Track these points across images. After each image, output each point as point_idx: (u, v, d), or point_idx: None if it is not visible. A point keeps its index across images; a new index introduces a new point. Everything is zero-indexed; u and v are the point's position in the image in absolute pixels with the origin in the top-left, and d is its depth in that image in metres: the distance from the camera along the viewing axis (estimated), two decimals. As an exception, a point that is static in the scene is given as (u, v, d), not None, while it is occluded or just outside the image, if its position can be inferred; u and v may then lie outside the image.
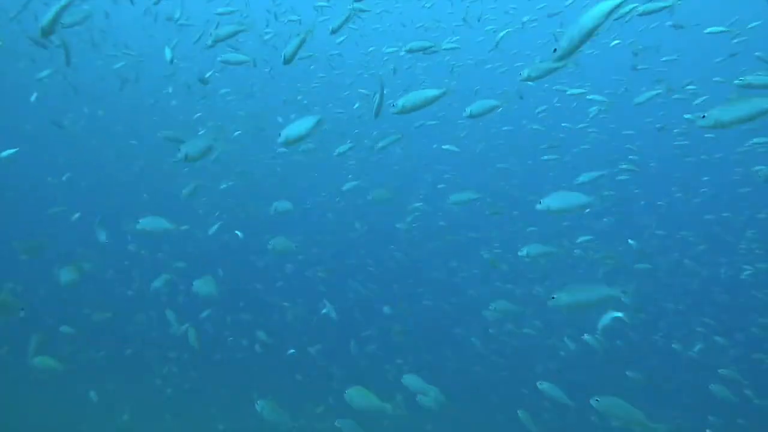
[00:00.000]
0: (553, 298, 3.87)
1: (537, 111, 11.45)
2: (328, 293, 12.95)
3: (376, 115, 4.52)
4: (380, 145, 7.82)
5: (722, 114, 3.34)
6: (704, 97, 8.30)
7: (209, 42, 5.48)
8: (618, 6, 3.07)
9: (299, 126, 4.18)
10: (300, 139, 4.22)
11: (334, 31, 6.04)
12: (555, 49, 3.28)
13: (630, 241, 10.55)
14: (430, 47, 6.95)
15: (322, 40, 7.69)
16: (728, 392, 7.35)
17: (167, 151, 16.04)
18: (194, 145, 4.14)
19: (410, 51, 7.09)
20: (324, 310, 8.22)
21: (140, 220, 5.39)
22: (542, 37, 13.91)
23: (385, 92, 4.55)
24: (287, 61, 4.74)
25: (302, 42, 4.67)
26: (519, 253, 5.79)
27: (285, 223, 14.23)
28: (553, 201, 4.56)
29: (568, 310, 4.02)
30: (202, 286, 5.94)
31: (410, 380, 5.47)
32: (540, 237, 11.98)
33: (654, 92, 7.82)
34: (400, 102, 4.10)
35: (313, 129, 4.22)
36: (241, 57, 6.13)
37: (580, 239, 8.71)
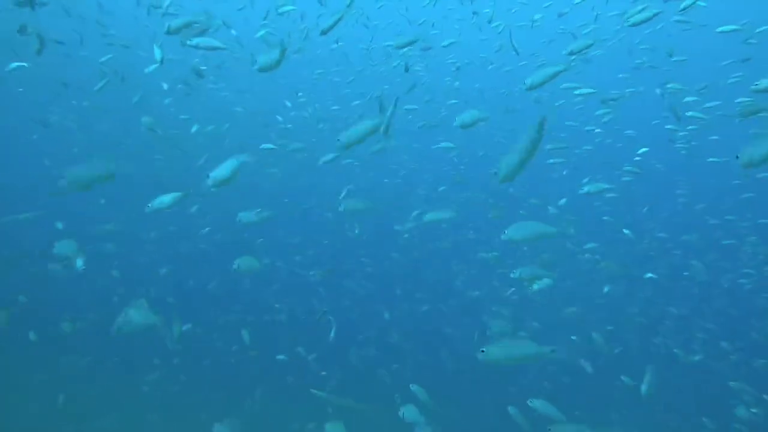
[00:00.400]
0: (482, 351, 3.92)
1: (554, 120, 11.31)
2: (326, 294, 12.80)
3: (385, 132, 4.40)
4: (374, 149, 7.67)
5: (755, 151, 3.36)
6: (717, 102, 8.20)
7: (165, 32, 5.19)
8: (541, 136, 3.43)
9: (226, 168, 4.19)
10: (228, 180, 4.19)
11: (324, 32, 5.85)
12: (495, 172, 3.57)
13: (625, 230, 10.51)
14: (416, 41, 6.79)
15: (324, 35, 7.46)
16: (753, 414, 7.27)
17: (159, 147, 15.83)
18: (80, 172, 3.77)
19: (399, 47, 6.91)
20: (331, 326, 8.02)
21: (55, 243, 5.15)
22: (547, 35, 13.77)
23: (396, 109, 4.44)
24: (263, 69, 4.56)
25: (282, 54, 4.50)
26: (511, 275, 5.81)
27: (284, 224, 14.07)
28: (516, 232, 4.66)
29: (497, 366, 4.05)
30: (135, 314, 5.52)
31: (409, 412, 5.39)
32: (542, 241, 11.85)
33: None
34: (343, 137, 4.11)
35: (238, 169, 4.21)
36: (214, 42, 5.61)
37: (587, 245, 8.61)
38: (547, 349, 3.98)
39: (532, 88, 4.88)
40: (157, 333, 8.88)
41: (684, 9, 5.72)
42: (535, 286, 5.98)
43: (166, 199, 5.06)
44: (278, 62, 4.55)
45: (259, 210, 8.49)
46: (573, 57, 5.67)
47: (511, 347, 4.00)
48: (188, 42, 5.43)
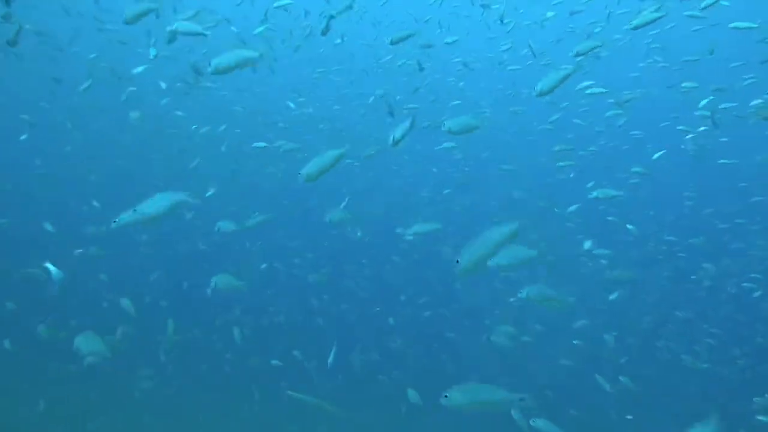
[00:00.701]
0: (445, 396, 3.80)
1: (551, 119, 11.22)
2: (326, 298, 12.64)
3: (395, 144, 4.30)
4: (366, 154, 7.53)
5: None
6: (733, 104, 8.10)
7: (123, 21, 4.94)
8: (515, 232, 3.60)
9: (156, 204, 4.03)
10: (155, 219, 4.04)
11: (324, 33, 5.69)
12: (457, 261, 3.64)
13: (629, 226, 10.42)
14: (413, 35, 6.67)
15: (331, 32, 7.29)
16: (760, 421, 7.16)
17: (157, 145, 15.61)
18: None
19: (394, 42, 6.80)
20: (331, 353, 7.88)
21: None
22: (555, 34, 13.66)
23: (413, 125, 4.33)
24: (217, 72, 4.31)
25: (240, 61, 4.22)
26: (519, 295, 5.67)
27: (285, 226, 13.89)
28: (502, 258, 4.63)
29: (461, 412, 3.88)
30: (84, 342, 5.24)
31: None
32: (547, 243, 11.72)
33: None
34: (304, 170, 4.10)
35: (171, 210, 4.05)
36: (194, 27, 5.25)
37: (596, 251, 8.49)
38: (515, 397, 3.82)
39: (542, 94, 4.71)
40: (152, 338, 8.70)
41: (705, 8, 5.59)
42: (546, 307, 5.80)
43: (121, 218, 4.34)
44: (236, 66, 4.26)
45: (256, 214, 8.34)
46: (580, 57, 5.52)
47: (476, 392, 3.85)
48: (169, 29, 5.21)
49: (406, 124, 4.37)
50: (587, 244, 7.14)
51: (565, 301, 5.56)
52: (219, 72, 4.26)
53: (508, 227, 3.69)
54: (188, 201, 4.07)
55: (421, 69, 8.24)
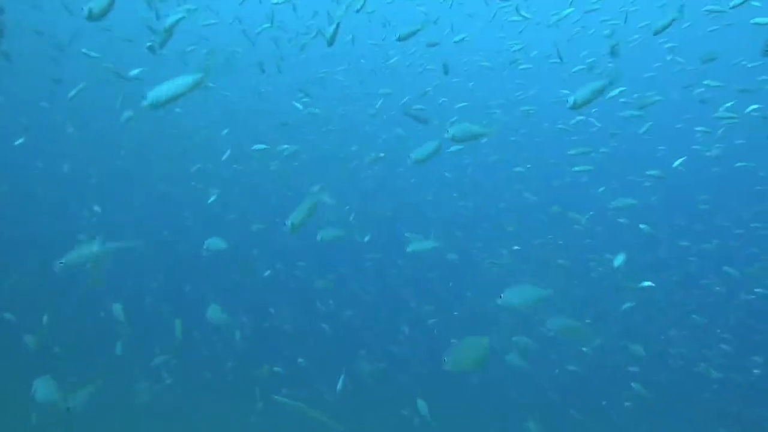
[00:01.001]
0: None
1: (572, 122, 11.03)
2: (330, 303, 12.51)
3: (419, 162, 4.31)
4: (369, 159, 7.39)
5: None
6: (756, 106, 7.94)
7: (86, 16, 4.72)
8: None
9: (80, 254, 4.14)
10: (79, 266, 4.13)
11: (330, 43, 5.63)
12: (444, 360, 3.98)
13: (641, 225, 10.26)
14: (419, 30, 6.59)
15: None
16: None
17: (157, 146, 15.49)
18: None
19: (402, 38, 6.71)
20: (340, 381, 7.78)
21: None
22: (567, 34, 13.49)
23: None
24: (154, 107, 4.00)
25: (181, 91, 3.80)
26: (543, 328, 5.56)
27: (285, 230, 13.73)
28: (512, 297, 4.72)
29: None
30: (41, 389, 5.12)
31: None
32: (557, 245, 11.59)
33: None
34: (289, 221, 4.26)
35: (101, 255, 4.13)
36: (175, 16, 5.43)
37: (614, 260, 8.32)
38: None
39: (576, 106, 4.47)
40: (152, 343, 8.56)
41: (734, 6, 5.45)
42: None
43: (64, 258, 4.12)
44: (178, 97, 3.71)
45: (257, 225, 8.21)
46: (611, 65, 5.37)
47: None
48: (163, 27, 5.22)
49: (431, 146, 4.37)
50: (619, 260, 6.92)
51: (589, 331, 5.38)
52: (156, 106, 3.64)
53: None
54: (110, 252, 4.09)
55: (446, 72, 8.05)
